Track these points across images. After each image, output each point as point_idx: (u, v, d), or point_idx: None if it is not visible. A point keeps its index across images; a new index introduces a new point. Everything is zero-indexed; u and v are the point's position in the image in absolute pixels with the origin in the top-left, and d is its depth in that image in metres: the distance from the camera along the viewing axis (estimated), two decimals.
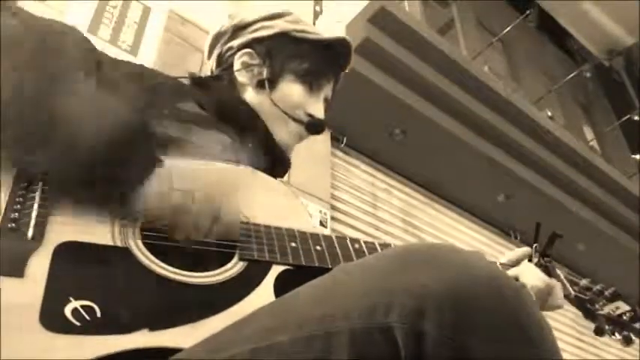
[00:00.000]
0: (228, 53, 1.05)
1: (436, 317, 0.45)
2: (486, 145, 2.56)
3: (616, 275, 3.32)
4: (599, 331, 1.00)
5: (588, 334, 2.99)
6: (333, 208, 2.15)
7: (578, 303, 1.02)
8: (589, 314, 1.02)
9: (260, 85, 1.01)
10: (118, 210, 0.66)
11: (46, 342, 0.49)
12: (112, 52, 1.53)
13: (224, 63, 1.06)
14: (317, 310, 0.50)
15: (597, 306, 1.02)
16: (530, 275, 0.96)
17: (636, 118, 3.95)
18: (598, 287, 1.03)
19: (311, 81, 1.01)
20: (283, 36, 1.02)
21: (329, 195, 2.14)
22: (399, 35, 2.28)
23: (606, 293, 1.03)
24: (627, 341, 1.02)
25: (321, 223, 1.97)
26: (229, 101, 1.00)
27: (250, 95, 1.02)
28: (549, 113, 3.22)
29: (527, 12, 3.56)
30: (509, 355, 0.45)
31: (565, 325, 3.01)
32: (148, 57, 1.61)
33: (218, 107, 0.96)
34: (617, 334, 1.02)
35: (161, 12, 1.75)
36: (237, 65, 1.02)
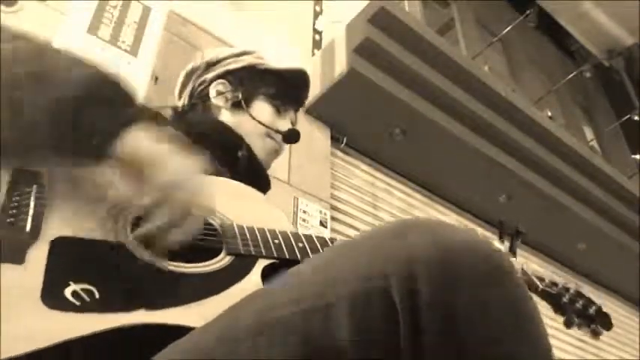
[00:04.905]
0: (201, 87, 1.15)
1: (428, 280, 0.47)
2: (486, 145, 2.56)
3: (616, 275, 3.32)
4: (568, 324, 1.05)
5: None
6: (333, 208, 2.15)
7: (547, 296, 1.06)
8: (558, 308, 1.06)
9: (236, 105, 1.11)
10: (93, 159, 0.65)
11: (48, 317, 0.52)
12: (112, 52, 1.53)
13: (196, 96, 1.15)
14: (316, 283, 0.52)
15: (565, 300, 1.05)
16: None
17: (636, 118, 3.95)
18: (563, 282, 1.08)
19: (278, 104, 1.13)
20: (252, 68, 1.15)
21: (329, 195, 2.14)
22: (399, 35, 2.28)
23: (571, 290, 1.08)
24: (595, 334, 1.06)
25: (321, 223, 1.97)
26: (206, 123, 1.09)
27: (226, 116, 1.11)
28: (549, 113, 3.22)
29: (527, 12, 3.56)
30: (503, 335, 0.46)
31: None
32: (147, 57, 1.61)
33: (196, 130, 1.02)
34: (585, 327, 1.06)
35: (161, 12, 1.75)
36: (212, 93, 1.13)
